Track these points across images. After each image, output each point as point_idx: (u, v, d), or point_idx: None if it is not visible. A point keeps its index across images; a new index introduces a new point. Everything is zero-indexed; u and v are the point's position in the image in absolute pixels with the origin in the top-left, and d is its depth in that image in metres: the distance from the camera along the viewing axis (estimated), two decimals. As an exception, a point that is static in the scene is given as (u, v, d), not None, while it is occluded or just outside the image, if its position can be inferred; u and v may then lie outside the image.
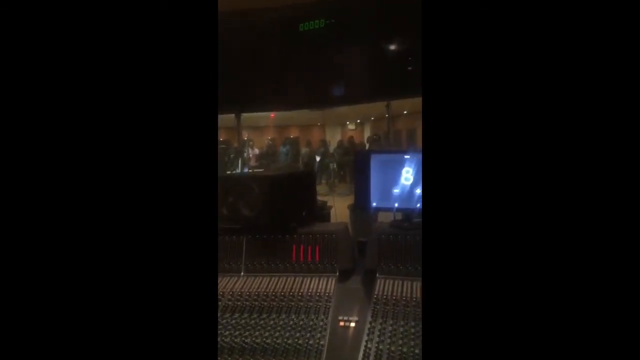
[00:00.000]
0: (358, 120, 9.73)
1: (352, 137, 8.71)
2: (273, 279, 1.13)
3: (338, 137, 9.57)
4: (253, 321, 0.98)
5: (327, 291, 1.05)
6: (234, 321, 0.99)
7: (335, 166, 7.65)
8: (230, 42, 2.60)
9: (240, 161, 3.94)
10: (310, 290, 1.06)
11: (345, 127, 9.92)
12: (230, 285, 1.12)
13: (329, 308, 0.98)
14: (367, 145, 8.26)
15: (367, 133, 9.58)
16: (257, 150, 7.98)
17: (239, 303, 1.04)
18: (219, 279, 1.15)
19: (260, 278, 1.14)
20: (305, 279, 1.12)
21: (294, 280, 1.11)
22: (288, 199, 1.20)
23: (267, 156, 7.64)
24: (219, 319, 0.99)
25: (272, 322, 0.96)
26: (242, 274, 1.17)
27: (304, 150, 8.41)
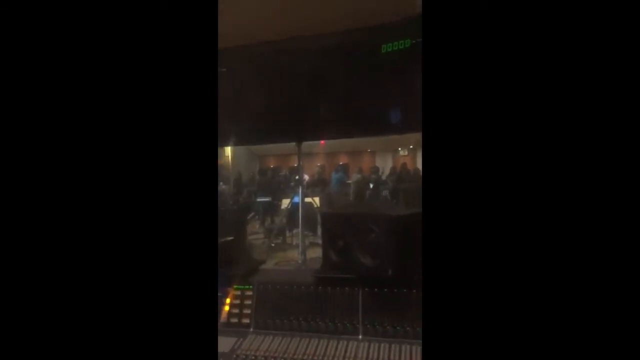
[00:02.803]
0: (411, 146, 9.44)
1: (405, 163, 8.41)
2: (404, 347, 0.90)
3: (389, 164, 9.30)
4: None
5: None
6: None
7: (388, 194, 7.35)
8: (307, 67, 2.51)
9: (300, 189, 3.81)
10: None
11: (397, 153, 9.65)
12: (350, 352, 0.90)
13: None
14: (422, 171, 7.91)
15: (419, 159, 9.24)
16: (307, 177, 7.90)
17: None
18: (332, 342, 0.94)
19: (386, 345, 0.91)
20: (447, 350, 0.88)
21: (432, 352, 0.88)
22: (412, 244, 0.98)
23: (318, 183, 7.51)
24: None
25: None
26: (360, 337, 0.95)
27: (355, 177, 8.22)
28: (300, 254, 3.51)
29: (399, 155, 9.59)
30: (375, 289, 0.98)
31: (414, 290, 0.96)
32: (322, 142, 8.85)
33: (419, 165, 8.80)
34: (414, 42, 2.05)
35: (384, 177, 7.66)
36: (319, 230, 4.84)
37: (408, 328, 0.93)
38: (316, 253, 3.90)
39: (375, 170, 7.82)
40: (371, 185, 7.26)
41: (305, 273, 1.07)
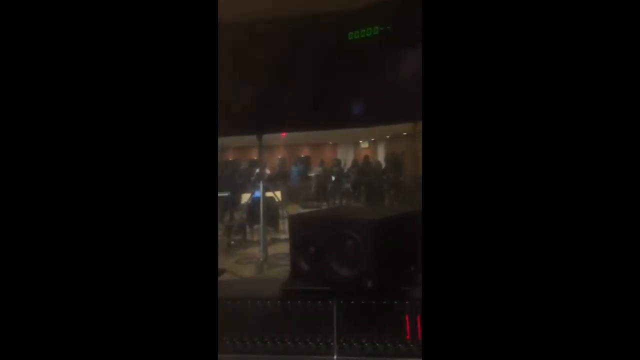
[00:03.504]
0: (372, 139, 9.49)
1: (367, 156, 8.43)
2: (385, 368, 0.80)
3: (351, 156, 9.30)
4: None
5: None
6: None
7: (350, 186, 7.34)
8: (265, 53, 2.34)
9: (261, 183, 3.65)
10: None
11: (359, 145, 9.67)
12: (324, 378, 0.78)
13: None
14: (384, 165, 7.98)
15: (381, 152, 9.31)
16: (268, 171, 7.70)
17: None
18: (303, 365, 0.82)
19: (365, 366, 0.81)
20: (434, 370, 0.78)
21: (417, 372, 0.78)
22: (396, 250, 0.88)
23: (279, 177, 7.34)
24: None
25: None
26: (335, 357, 0.84)
27: (316, 169, 8.13)
28: (262, 250, 3.36)
29: (361, 148, 9.61)
30: (352, 302, 0.87)
31: (396, 302, 0.86)
32: (283, 134, 8.68)
33: (380, 158, 8.88)
34: (382, 29, 1.95)
35: (345, 170, 7.64)
36: (281, 225, 4.72)
37: (389, 344, 0.83)
38: (278, 249, 3.78)
39: (337, 162, 7.77)
40: (333, 178, 7.20)
41: (271, 285, 0.94)
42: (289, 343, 0.85)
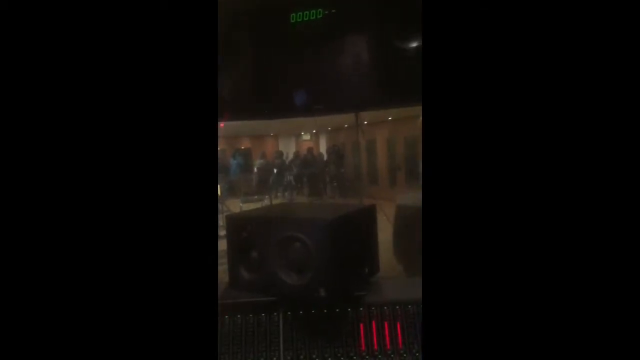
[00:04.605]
0: (314, 131, 9.45)
1: (311, 148, 8.36)
2: (339, 386, 0.71)
3: (293, 149, 9.18)
4: None
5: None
6: None
7: (292, 179, 7.24)
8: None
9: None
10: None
11: (300, 137, 9.59)
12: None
13: None
14: (326, 156, 7.98)
15: (323, 144, 9.31)
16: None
17: None
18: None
19: (316, 385, 0.71)
20: (392, 382, 0.71)
21: (375, 387, 0.70)
22: (347, 252, 0.79)
23: (219, 170, 7.03)
24: None
25: None
26: (282, 377, 0.73)
27: (258, 162, 7.92)
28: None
29: (303, 140, 9.54)
30: (301, 312, 0.77)
31: (349, 309, 0.77)
32: (222, 124, 8.32)
33: (322, 149, 8.87)
34: (326, 12, 1.84)
35: (287, 162, 7.53)
36: (221, 221, 4.50)
37: (343, 358, 0.74)
38: (219, 247, 3.57)
39: (280, 155, 7.62)
40: (275, 171, 7.06)
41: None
42: (227, 366, 0.73)
